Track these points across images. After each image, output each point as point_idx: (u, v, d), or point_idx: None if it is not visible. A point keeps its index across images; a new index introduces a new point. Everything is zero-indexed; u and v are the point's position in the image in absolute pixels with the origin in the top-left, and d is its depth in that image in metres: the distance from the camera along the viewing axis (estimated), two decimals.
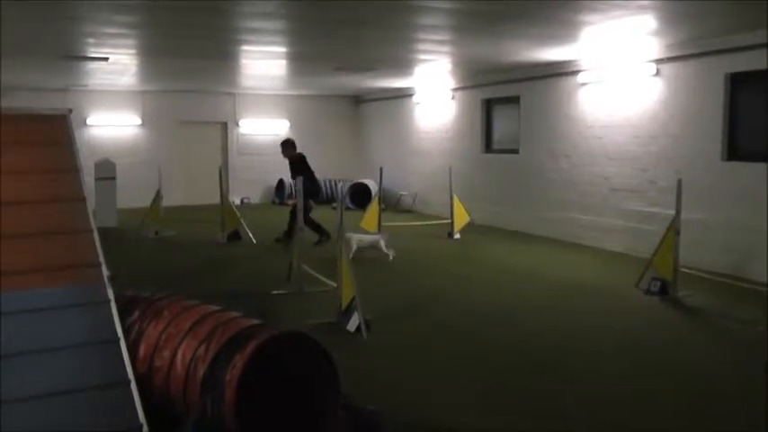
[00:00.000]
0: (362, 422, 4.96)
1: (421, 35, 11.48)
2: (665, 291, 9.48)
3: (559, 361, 6.95)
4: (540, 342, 7.60)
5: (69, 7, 9.22)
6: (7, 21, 9.93)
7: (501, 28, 10.46)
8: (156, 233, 15.28)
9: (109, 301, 5.53)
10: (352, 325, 7.83)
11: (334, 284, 8.58)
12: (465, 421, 5.51)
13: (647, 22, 9.94)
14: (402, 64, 15.21)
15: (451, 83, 18.55)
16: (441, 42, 12.15)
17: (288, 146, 14.66)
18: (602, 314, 8.79)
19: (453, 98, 18.82)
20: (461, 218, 15.06)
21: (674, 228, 9.44)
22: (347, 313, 7.97)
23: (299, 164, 14.12)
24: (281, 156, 14.79)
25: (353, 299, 7.89)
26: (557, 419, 5.55)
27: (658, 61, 12.36)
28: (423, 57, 14.15)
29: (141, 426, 4.57)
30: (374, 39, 11.64)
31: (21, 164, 6.48)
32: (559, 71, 14.62)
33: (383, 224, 14.04)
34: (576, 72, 14.32)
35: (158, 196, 15.60)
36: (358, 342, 7.49)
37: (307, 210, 12.56)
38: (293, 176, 14.11)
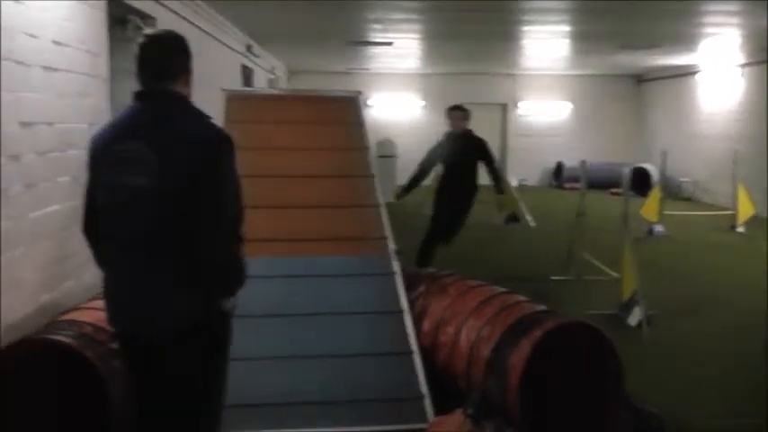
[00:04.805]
0: (644, 423, 4.72)
1: (711, 6, 10.68)
2: None
3: None
4: None
5: None
6: (297, 9, 10.60)
7: None
8: None
9: (395, 273, 5.77)
10: (633, 319, 7.47)
11: (615, 275, 8.25)
12: None
13: None
14: (687, 39, 14.23)
15: (740, 58, 16.96)
16: (730, 14, 11.20)
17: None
18: None
19: (742, 75, 17.22)
20: (746, 210, 13.55)
21: None
22: (628, 306, 7.61)
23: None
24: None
25: (635, 292, 7.54)
26: None
27: None
28: (710, 30, 13.09)
29: (423, 396, 4.70)
30: (661, 12, 10.99)
31: (317, 142, 6.95)
32: None
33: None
34: None
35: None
36: (639, 338, 7.14)
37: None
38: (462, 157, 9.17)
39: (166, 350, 3.08)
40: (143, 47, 3.13)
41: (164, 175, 2.92)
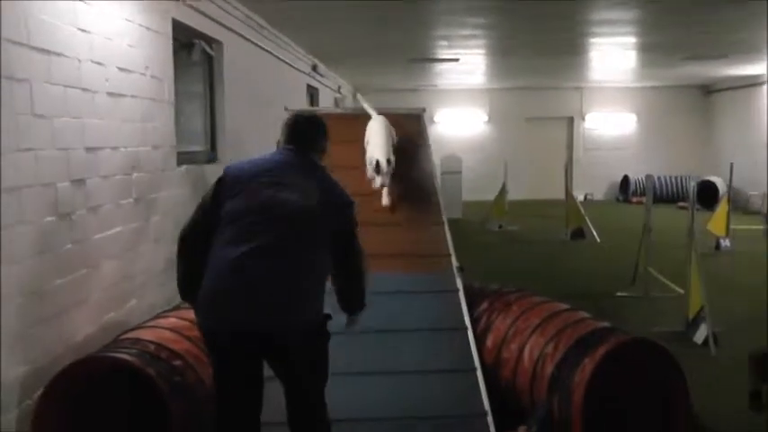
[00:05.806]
0: None
1: None
2: None
3: None
4: None
5: (425, 12, 9.65)
6: (363, 29, 10.66)
7: None
8: (500, 227, 15.55)
9: (458, 290, 5.75)
10: (699, 337, 7.24)
11: (682, 291, 8.05)
12: None
13: None
14: (755, 48, 13.70)
15: None
16: None
17: None
18: None
19: None
20: None
21: None
22: (695, 323, 7.39)
23: None
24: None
25: (702, 308, 7.32)
26: None
27: None
28: None
29: (486, 413, 4.65)
30: (729, 21, 10.68)
31: None
32: None
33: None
34: None
35: (503, 190, 15.87)
36: (705, 356, 6.91)
37: None
38: None
39: (292, 347, 3.56)
40: (295, 121, 3.93)
41: (311, 199, 3.59)
